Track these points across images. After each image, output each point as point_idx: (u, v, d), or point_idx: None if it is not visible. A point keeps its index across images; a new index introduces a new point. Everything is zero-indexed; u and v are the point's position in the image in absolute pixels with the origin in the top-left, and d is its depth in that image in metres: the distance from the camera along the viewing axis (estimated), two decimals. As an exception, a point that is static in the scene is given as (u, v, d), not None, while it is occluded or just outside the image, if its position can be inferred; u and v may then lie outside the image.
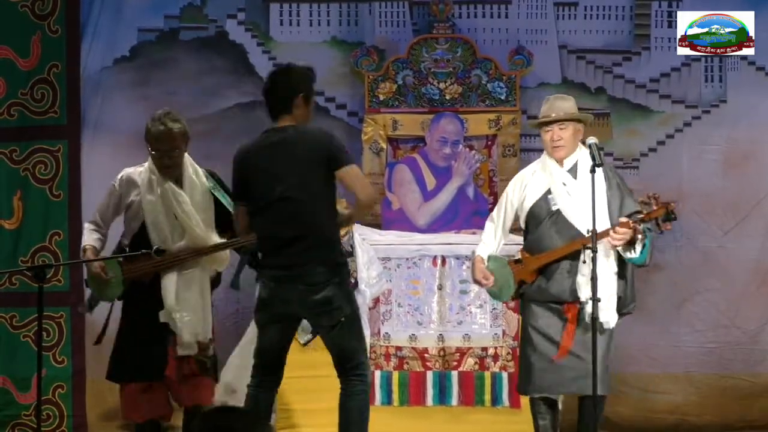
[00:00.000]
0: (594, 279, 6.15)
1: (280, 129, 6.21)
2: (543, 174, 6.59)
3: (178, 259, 6.48)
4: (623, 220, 6.34)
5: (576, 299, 6.38)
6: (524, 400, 7.75)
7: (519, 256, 6.64)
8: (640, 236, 6.34)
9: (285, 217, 6.10)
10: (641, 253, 6.38)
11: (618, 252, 6.42)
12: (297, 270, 6.08)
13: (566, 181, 6.50)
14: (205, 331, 6.56)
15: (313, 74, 6.33)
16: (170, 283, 6.46)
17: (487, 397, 7.84)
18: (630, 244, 6.35)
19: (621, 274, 6.49)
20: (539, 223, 6.53)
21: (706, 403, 8.66)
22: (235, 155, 6.29)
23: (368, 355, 6.37)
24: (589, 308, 6.28)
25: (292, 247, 6.09)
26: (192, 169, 6.61)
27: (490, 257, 6.67)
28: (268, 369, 6.37)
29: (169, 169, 6.53)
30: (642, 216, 6.34)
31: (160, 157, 6.50)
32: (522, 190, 6.62)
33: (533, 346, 6.50)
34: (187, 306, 6.47)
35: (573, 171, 6.53)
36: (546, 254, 6.48)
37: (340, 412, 6.24)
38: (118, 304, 6.72)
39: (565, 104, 6.61)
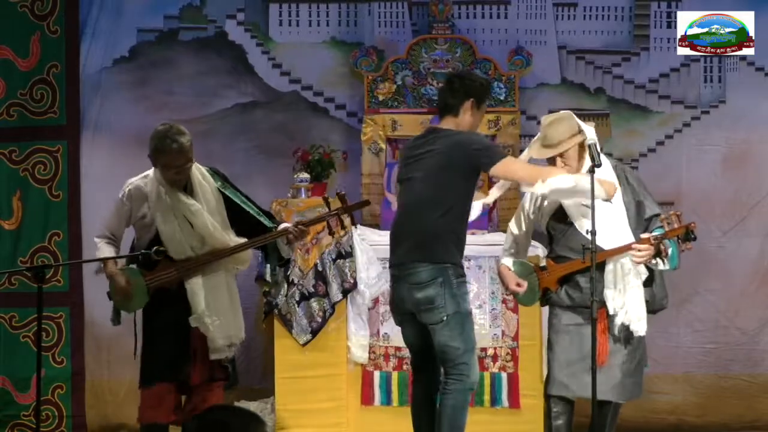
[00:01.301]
0: (593, 280, 6.15)
1: (434, 130, 6.51)
2: None
3: (200, 263, 6.45)
4: (644, 236, 6.34)
5: (603, 305, 6.37)
6: (524, 401, 7.77)
7: (544, 263, 6.65)
8: (663, 249, 6.34)
9: (402, 218, 6.42)
10: (671, 263, 6.41)
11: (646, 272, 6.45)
12: (404, 269, 6.33)
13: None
14: (238, 331, 6.54)
15: (489, 86, 6.67)
16: (198, 288, 6.41)
17: (486, 397, 7.84)
18: (656, 256, 6.37)
19: (646, 282, 6.49)
20: (559, 233, 6.55)
21: (705, 403, 8.66)
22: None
23: (475, 357, 6.49)
24: (618, 320, 6.31)
25: (402, 246, 6.37)
26: (199, 172, 6.56)
27: (514, 263, 6.67)
28: (420, 367, 6.55)
29: (180, 182, 6.50)
30: (663, 234, 6.34)
31: (176, 173, 6.42)
32: (537, 205, 6.61)
33: (556, 346, 6.50)
34: (217, 310, 6.43)
35: None
36: (568, 265, 6.49)
37: (439, 407, 6.37)
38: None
39: (560, 129, 6.41)
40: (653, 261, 6.38)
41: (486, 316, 7.87)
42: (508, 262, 6.67)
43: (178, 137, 6.36)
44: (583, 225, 6.39)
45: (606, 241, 6.33)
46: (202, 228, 6.42)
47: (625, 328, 6.37)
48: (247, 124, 8.84)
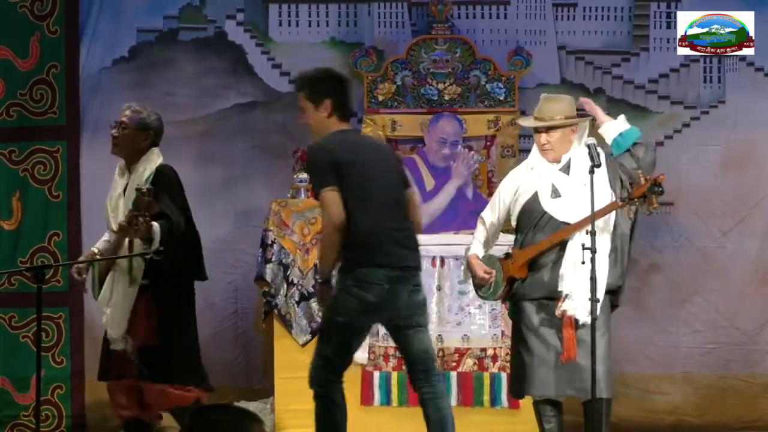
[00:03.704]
0: (593, 279, 6.13)
1: (360, 134, 6.50)
2: (533, 174, 6.54)
3: (96, 259, 6.60)
4: (611, 202, 6.36)
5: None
6: (524, 401, 7.76)
7: (509, 250, 6.56)
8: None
9: (394, 220, 6.19)
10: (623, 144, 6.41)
11: (609, 246, 6.42)
12: (412, 271, 6.20)
13: (557, 181, 6.46)
14: (120, 327, 6.53)
15: (338, 81, 6.31)
16: (108, 279, 6.56)
17: (486, 397, 7.84)
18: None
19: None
20: (531, 222, 6.47)
21: (705, 403, 8.66)
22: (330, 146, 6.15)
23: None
24: (565, 304, 6.26)
25: (410, 247, 6.21)
26: (145, 164, 6.61)
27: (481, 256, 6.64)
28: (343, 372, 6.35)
29: (116, 147, 6.63)
30: (630, 195, 6.30)
31: (114, 127, 6.64)
32: (515, 189, 6.56)
33: (529, 347, 6.41)
34: (110, 301, 6.54)
35: (566, 168, 6.49)
36: (534, 247, 6.44)
37: (433, 412, 6.18)
38: None
39: (555, 106, 6.47)
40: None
41: (486, 316, 7.87)
42: (477, 250, 6.62)
43: (135, 106, 6.69)
44: (552, 208, 6.40)
45: (578, 217, 6.31)
46: (108, 209, 6.56)
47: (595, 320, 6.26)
48: (246, 124, 8.85)
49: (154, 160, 6.62)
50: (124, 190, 6.59)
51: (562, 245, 6.33)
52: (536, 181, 6.48)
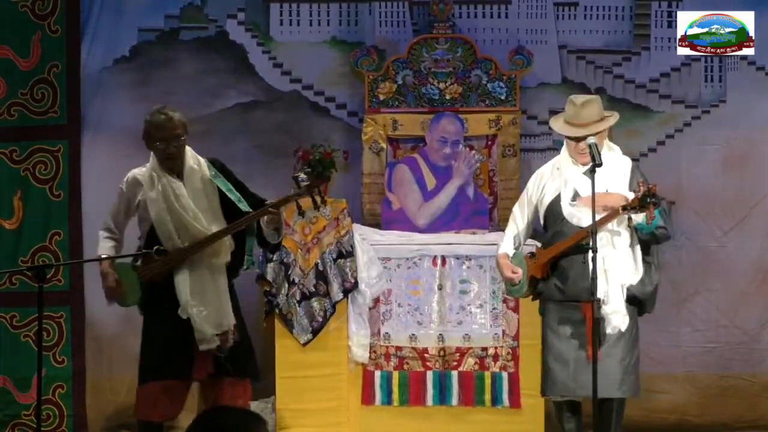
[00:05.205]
0: (594, 279, 6.14)
1: None
2: (558, 174, 6.56)
3: (186, 254, 6.47)
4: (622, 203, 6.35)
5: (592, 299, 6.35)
6: (524, 401, 7.77)
7: (534, 249, 6.62)
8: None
9: None
10: (651, 225, 6.32)
11: (635, 250, 6.43)
12: None
13: (580, 185, 6.46)
14: (227, 318, 6.51)
15: None
16: (183, 279, 6.45)
17: (487, 397, 7.85)
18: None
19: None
20: (554, 222, 6.53)
21: (706, 403, 8.66)
22: None
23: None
24: (604, 309, 6.29)
25: None
26: (193, 160, 6.60)
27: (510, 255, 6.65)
28: None
29: (174, 160, 6.52)
30: (627, 203, 6.30)
31: (165, 147, 6.49)
32: (541, 187, 6.59)
33: (552, 348, 6.46)
34: (202, 300, 6.45)
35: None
36: (553, 247, 6.45)
37: None
38: None
39: (592, 111, 6.46)
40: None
41: (487, 316, 7.88)
42: (507, 249, 6.63)
43: (168, 111, 6.53)
44: (570, 213, 6.39)
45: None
46: (181, 213, 6.46)
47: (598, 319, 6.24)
48: (247, 124, 8.85)
49: (191, 153, 6.62)
50: None
51: (584, 250, 6.31)
52: (560, 182, 6.50)
